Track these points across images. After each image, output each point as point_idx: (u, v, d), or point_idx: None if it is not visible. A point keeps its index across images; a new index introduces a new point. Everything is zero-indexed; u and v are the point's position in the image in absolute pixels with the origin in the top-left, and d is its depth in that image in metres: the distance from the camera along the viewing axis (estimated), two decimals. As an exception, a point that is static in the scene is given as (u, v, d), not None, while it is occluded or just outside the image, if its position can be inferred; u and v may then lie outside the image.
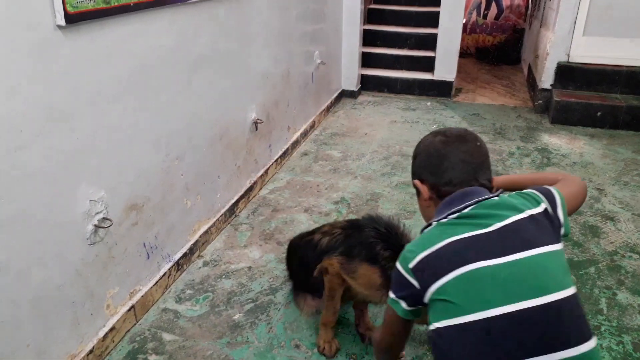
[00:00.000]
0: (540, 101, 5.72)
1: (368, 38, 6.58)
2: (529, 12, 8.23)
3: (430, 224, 1.37)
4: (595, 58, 5.51)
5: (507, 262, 1.13)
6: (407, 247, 1.33)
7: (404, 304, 1.30)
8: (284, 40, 4.13)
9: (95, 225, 2.17)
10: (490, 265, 1.13)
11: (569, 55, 5.56)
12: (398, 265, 1.32)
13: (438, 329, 1.17)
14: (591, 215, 3.61)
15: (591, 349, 1.09)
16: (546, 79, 5.65)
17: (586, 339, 1.09)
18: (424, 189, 1.44)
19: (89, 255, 2.18)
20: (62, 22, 1.85)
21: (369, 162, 4.47)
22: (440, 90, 6.27)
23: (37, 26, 1.79)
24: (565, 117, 5.37)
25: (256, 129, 3.70)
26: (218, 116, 3.17)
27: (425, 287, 1.22)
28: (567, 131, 5.24)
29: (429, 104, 6.10)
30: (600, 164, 4.47)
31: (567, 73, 5.57)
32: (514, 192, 1.36)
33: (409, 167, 4.40)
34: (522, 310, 1.06)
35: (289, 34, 4.25)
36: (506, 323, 1.07)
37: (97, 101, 2.11)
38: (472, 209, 1.28)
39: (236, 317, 2.59)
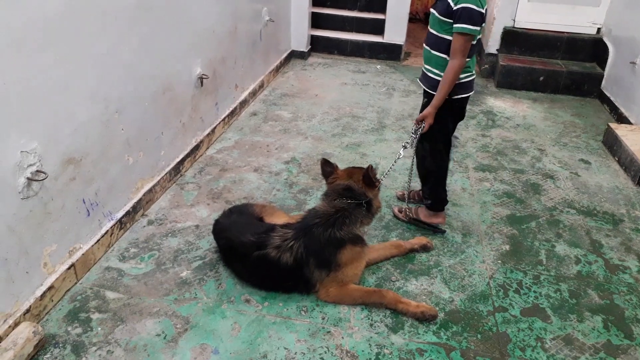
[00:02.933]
0: (487, 65, 5.82)
1: (318, -2, 6.44)
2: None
3: None
4: (538, 24, 5.64)
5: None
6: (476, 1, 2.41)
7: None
8: (231, -7, 3.96)
9: (28, 179, 2.02)
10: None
11: (514, 21, 5.66)
12: (477, 8, 2.38)
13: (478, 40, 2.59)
14: (533, 174, 3.74)
15: None
16: (493, 44, 5.74)
17: None
18: None
19: (22, 210, 2.04)
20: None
21: (319, 123, 4.42)
22: (390, 53, 6.26)
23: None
24: (510, 82, 5.50)
25: (201, 85, 3.55)
26: (161, 69, 3.01)
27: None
28: (511, 95, 5.38)
29: (378, 66, 6.08)
30: (541, 126, 4.62)
31: (512, 38, 5.68)
32: None
33: (360, 128, 4.36)
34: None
35: (237, -12, 4.08)
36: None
37: (22, 47, 1.94)
38: None
39: (184, 274, 2.52)
